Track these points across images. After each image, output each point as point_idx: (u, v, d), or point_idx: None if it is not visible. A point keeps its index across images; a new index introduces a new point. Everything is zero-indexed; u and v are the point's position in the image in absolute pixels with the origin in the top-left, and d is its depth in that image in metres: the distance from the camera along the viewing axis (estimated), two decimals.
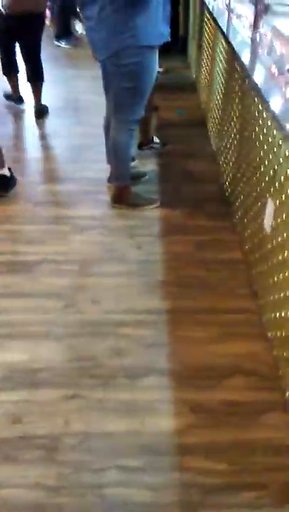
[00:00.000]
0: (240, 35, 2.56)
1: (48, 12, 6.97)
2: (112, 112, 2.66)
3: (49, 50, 6.08)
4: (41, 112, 4.06)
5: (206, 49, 3.95)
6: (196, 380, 1.81)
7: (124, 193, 2.85)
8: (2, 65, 4.03)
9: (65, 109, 4.34)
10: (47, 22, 7.03)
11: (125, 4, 2.22)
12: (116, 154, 2.74)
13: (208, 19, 3.69)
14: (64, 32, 6.28)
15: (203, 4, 3.79)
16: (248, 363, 1.87)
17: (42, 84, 4.03)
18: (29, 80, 3.99)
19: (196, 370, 1.85)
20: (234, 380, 1.81)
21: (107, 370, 1.86)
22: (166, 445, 1.61)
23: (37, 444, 1.61)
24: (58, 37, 6.28)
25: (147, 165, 3.32)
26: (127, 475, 1.53)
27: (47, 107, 4.11)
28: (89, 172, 3.22)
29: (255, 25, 2.36)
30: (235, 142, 2.69)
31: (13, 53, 3.97)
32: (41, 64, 3.99)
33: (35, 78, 3.97)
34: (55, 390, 1.79)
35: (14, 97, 4.25)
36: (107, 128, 2.80)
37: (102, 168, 3.08)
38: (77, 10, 2.59)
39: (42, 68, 3.99)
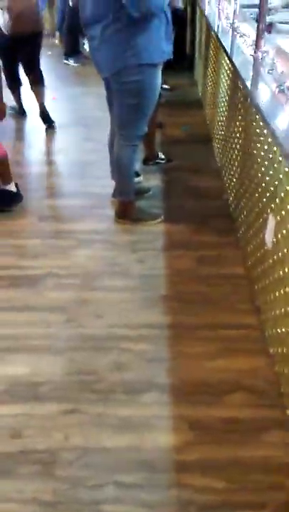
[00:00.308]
0: (243, 53, 2.60)
1: (56, 32, 7.17)
2: (115, 128, 2.70)
3: (58, 68, 6.24)
4: (46, 116, 4.29)
5: (211, 67, 4.00)
6: (196, 396, 1.80)
7: (128, 208, 2.87)
8: (6, 80, 4.17)
9: (73, 125, 4.41)
10: (56, 41, 7.25)
11: (128, 24, 2.27)
12: (120, 170, 2.77)
13: (213, 38, 3.75)
14: (72, 50, 6.41)
15: (208, 23, 3.85)
16: (249, 379, 1.86)
17: (43, 88, 4.30)
18: (31, 84, 4.27)
19: (195, 386, 1.84)
20: (234, 396, 1.80)
21: (107, 385, 1.86)
22: (164, 461, 1.60)
23: (35, 459, 1.61)
24: (67, 55, 6.41)
25: (152, 180, 3.35)
26: (124, 491, 1.52)
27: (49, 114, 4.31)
28: (94, 187, 3.26)
29: (257, 44, 2.40)
30: (239, 158, 2.72)
31: (16, 69, 4.30)
32: (41, 72, 4.30)
33: (37, 82, 4.25)
34: (55, 404, 1.79)
35: (18, 111, 4.51)
36: (111, 144, 2.84)
37: (106, 184, 3.11)
38: None
39: (42, 75, 4.30)
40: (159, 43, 2.38)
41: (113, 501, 1.49)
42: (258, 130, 2.19)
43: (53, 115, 4.30)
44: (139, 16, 2.23)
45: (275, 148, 1.87)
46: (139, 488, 1.52)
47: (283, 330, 1.77)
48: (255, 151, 2.26)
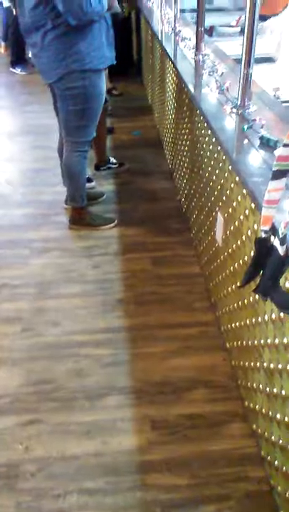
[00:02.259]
0: (186, 57, 2.65)
1: (1, 41, 7.06)
2: (63, 135, 2.69)
3: (4, 77, 6.15)
4: None
5: (157, 72, 4.06)
6: (157, 395, 1.81)
7: (81, 214, 2.86)
8: None
9: (21, 134, 4.35)
10: (1, 50, 7.13)
11: (67, 30, 2.27)
12: (70, 176, 2.76)
13: (158, 43, 3.80)
14: (19, 59, 6.34)
15: (152, 29, 3.90)
16: (208, 375, 1.89)
17: None
18: None
19: (156, 386, 1.85)
20: (194, 393, 1.82)
21: (67, 393, 1.84)
22: (128, 464, 1.60)
23: None
24: (13, 64, 6.33)
25: (105, 185, 3.36)
26: (89, 498, 1.51)
27: None
28: (46, 195, 3.23)
29: (197, 47, 2.46)
30: (187, 160, 2.76)
31: None
32: None
33: None
34: (14, 417, 1.75)
35: None
36: (60, 150, 2.83)
37: (59, 191, 3.09)
38: None
39: None
40: (101, 49, 2.39)
41: (78, 509, 1.48)
42: (203, 131, 2.24)
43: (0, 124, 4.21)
44: (76, 24, 2.24)
45: (219, 148, 1.91)
46: (103, 493, 1.52)
47: (237, 324, 1.81)
48: (202, 152, 2.30)
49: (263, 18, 2.88)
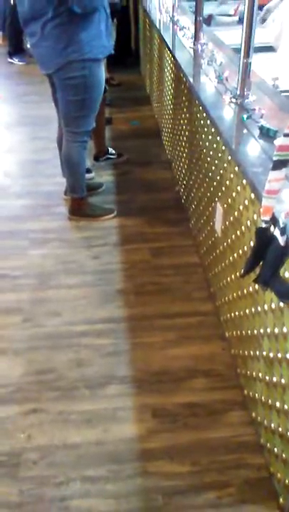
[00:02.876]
0: (184, 46, 2.64)
1: None
2: (62, 125, 2.68)
3: (2, 67, 6.09)
4: None
5: (156, 61, 4.03)
6: (156, 384, 1.83)
7: (80, 204, 2.86)
8: None
9: (20, 125, 4.33)
10: None
11: (68, 20, 2.25)
12: (69, 167, 2.76)
13: (156, 33, 3.78)
14: (16, 49, 6.27)
15: (150, 18, 3.88)
16: (207, 364, 1.90)
17: None
18: None
19: (156, 375, 1.86)
20: (194, 381, 1.84)
21: (67, 382, 1.86)
22: (129, 452, 1.62)
23: None
24: (11, 54, 6.27)
25: (104, 176, 3.35)
26: (91, 485, 1.53)
27: None
28: (45, 186, 3.22)
29: (196, 37, 2.44)
30: (186, 150, 2.76)
31: None
32: None
33: None
34: (15, 406, 1.77)
35: None
36: (60, 141, 2.82)
37: (58, 182, 3.08)
38: None
39: None
40: (101, 38, 2.37)
41: (80, 496, 1.50)
42: (202, 121, 2.24)
43: None
44: (80, 12, 2.22)
45: (218, 138, 1.91)
46: (105, 481, 1.54)
47: (237, 313, 1.82)
48: (200, 142, 2.30)
49: (261, 7, 2.86)
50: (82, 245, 2.64)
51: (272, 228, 1.05)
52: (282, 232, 1.00)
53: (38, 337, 2.06)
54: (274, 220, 1.04)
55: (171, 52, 2.72)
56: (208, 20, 3.40)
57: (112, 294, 2.28)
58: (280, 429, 1.41)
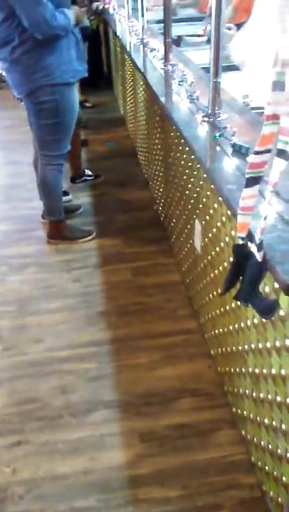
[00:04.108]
0: (155, 67, 2.67)
1: None
2: (37, 149, 2.67)
3: None
4: None
5: (128, 83, 4.08)
6: (143, 407, 1.80)
7: (59, 227, 2.84)
8: None
9: None
10: None
11: (35, 45, 2.27)
12: (45, 190, 2.74)
13: (127, 55, 3.83)
14: None
15: (120, 41, 3.93)
16: (193, 383, 1.88)
17: None
18: None
19: (142, 398, 1.83)
20: (181, 402, 1.81)
21: (52, 411, 1.81)
22: (118, 480, 1.57)
23: None
24: None
25: (81, 198, 3.35)
26: None
27: None
28: (22, 210, 3.20)
29: (166, 58, 2.48)
30: (162, 169, 2.78)
31: None
32: None
33: None
34: None
35: None
36: (35, 164, 2.81)
37: (35, 206, 3.07)
38: None
39: None
40: (71, 62, 2.40)
41: None
42: (176, 140, 2.26)
43: None
44: (44, 39, 2.24)
45: (192, 157, 1.92)
46: (95, 511, 1.49)
47: (221, 330, 1.81)
48: (176, 161, 2.32)
49: (239, 26, 2.91)
50: (62, 269, 2.62)
51: (249, 244, 1.05)
52: (259, 248, 1.00)
53: (20, 365, 2.01)
54: (250, 237, 1.04)
55: (142, 73, 2.75)
56: (178, 41, 3.46)
57: (95, 317, 2.25)
58: (270, 447, 1.39)
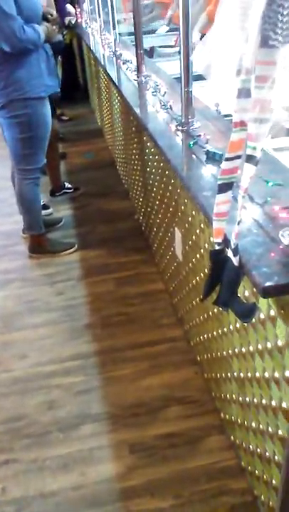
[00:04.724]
0: (129, 79, 2.70)
1: None
2: (13, 163, 2.67)
3: None
4: None
5: (104, 95, 4.11)
6: (131, 418, 1.78)
7: (40, 241, 2.83)
8: None
9: None
10: None
11: (4, 61, 2.29)
12: (24, 204, 2.73)
13: (100, 67, 3.86)
14: None
15: (94, 54, 3.96)
16: (181, 391, 1.88)
17: None
18: None
19: (129, 409, 1.82)
20: (169, 411, 1.81)
21: (40, 427, 1.79)
22: (109, 493, 1.56)
23: None
24: None
25: (62, 211, 3.34)
26: None
27: None
28: (2, 226, 3.18)
29: (138, 69, 2.50)
30: (141, 179, 2.79)
31: None
32: None
33: None
34: None
35: None
36: (13, 178, 2.80)
37: (16, 220, 3.05)
38: None
39: None
40: (41, 77, 2.41)
41: None
42: (152, 149, 2.28)
43: None
44: (13, 52, 2.25)
45: (169, 165, 1.94)
46: None
47: (205, 336, 1.82)
48: (153, 170, 2.33)
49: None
50: (45, 282, 2.60)
51: (225, 250, 1.06)
52: (235, 252, 1.01)
53: (5, 383, 1.98)
54: (226, 242, 1.05)
55: (116, 85, 2.78)
56: (150, 52, 3.51)
57: (79, 330, 2.24)
58: (258, 450, 1.39)
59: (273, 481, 1.31)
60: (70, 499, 1.55)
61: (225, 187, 0.99)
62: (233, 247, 1.01)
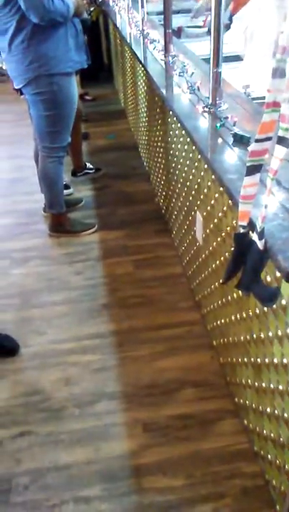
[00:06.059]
0: (156, 59, 2.66)
1: None
2: (38, 141, 2.67)
3: None
4: None
5: (129, 75, 4.06)
6: (146, 398, 1.80)
7: (60, 220, 2.84)
8: None
9: None
10: None
11: (32, 35, 2.26)
12: (46, 183, 2.74)
13: (127, 47, 3.81)
14: None
15: (120, 33, 3.91)
16: (196, 374, 1.89)
17: None
18: None
19: (145, 389, 1.84)
20: (183, 393, 1.82)
21: (56, 402, 1.82)
22: (122, 469, 1.59)
23: None
24: None
25: (82, 191, 3.34)
26: (85, 506, 1.49)
27: None
28: (24, 204, 3.20)
29: (166, 49, 2.47)
30: (163, 161, 2.77)
31: None
32: None
33: None
34: (2, 430, 1.73)
35: None
36: (36, 157, 2.81)
37: (37, 199, 3.07)
38: None
39: None
40: (68, 53, 2.38)
41: None
42: (177, 132, 2.25)
43: None
44: (41, 23, 2.22)
45: (193, 147, 1.92)
46: (99, 500, 1.50)
47: (223, 321, 1.82)
48: (177, 152, 2.31)
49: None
50: (64, 262, 2.62)
51: (250, 233, 1.05)
52: (260, 236, 1.00)
53: (23, 358, 2.02)
54: (251, 225, 1.04)
55: (143, 65, 2.74)
56: (178, 32, 3.45)
57: (97, 309, 2.26)
58: (272, 435, 1.40)
59: (286, 466, 1.31)
60: (83, 473, 1.58)
61: (253, 169, 0.97)
62: (258, 230, 1.00)
